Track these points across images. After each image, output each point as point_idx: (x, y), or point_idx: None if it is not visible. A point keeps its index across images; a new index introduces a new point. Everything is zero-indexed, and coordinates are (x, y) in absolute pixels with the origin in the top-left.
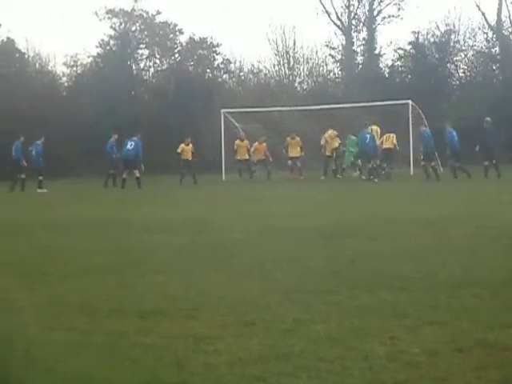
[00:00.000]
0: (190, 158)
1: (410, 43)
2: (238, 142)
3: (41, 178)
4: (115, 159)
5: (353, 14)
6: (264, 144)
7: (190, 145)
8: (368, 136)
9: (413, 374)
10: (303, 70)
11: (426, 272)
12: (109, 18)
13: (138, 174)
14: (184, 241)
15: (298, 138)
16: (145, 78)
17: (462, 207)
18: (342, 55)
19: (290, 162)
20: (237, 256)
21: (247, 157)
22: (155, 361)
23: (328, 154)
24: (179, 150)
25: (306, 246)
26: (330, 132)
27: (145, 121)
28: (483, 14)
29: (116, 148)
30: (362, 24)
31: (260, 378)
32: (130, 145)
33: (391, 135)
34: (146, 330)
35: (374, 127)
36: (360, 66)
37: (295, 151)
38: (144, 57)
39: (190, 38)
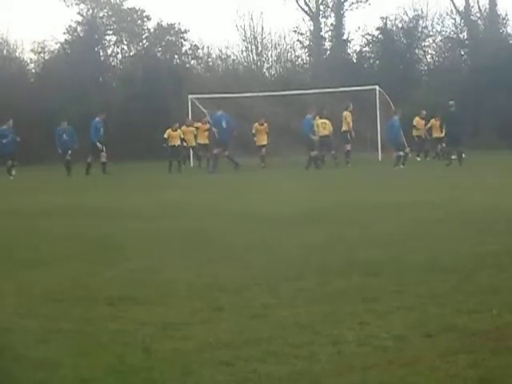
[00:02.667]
0: (176, 144)
1: (377, 29)
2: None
3: (11, 163)
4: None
5: (321, 0)
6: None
7: (178, 130)
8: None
9: (381, 359)
10: (271, 55)
11: (395, 257)
12: (76, 3)
13: (103, 159)
14: (154, 227)
15: (265, 125)
16: (112, 64)
17: (431, 193)
18: (309, 41)
19: (263, 149)
20: (206, 242)
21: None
22: (123, 347)
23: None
24: (166, 136)
25: (276, 232)
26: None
27: (113, 107)
28: None
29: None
30: (329, 9)
31: (229, 364)
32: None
33: (327, 122)
34: (114, 316)
35: (346, 113)
36: (328, 52)
37: (263, 139)
38: (111, 43)
39: (158, 24)
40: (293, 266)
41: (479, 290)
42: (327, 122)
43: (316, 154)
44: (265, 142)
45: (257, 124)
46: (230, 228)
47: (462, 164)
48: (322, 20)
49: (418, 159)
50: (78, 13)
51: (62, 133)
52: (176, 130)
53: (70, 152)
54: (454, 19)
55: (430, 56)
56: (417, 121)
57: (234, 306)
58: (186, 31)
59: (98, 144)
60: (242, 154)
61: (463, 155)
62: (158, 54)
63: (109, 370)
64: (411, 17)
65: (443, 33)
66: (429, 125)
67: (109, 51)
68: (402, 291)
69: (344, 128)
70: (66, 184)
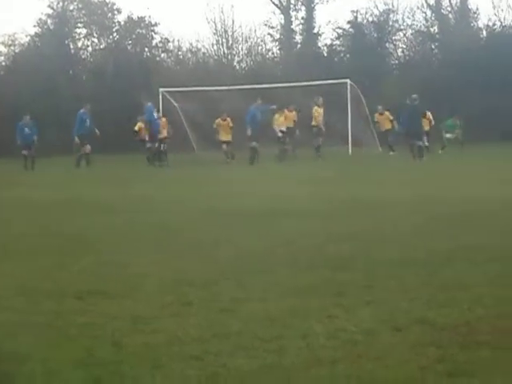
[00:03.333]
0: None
1: (348, 22)
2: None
3: None
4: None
5: None
6: (294, 112)
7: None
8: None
9: (350, 353)
10: (242, 49)
11: (364, 252)
12: None
13: (87, 151)
14: (123, 221)
15: (228, 120)
16: (83, 57)
17: (399, 188)
18: (280, 34)
19: (224, 145)
20: (176, 236)
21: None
22: (92, 340)
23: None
24: (136, 129)
25: (245, 226)
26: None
27: (83, 100)
28: None
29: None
30: (300, 3)
31: (198, 358)
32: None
33: (293, 113)
34: (83, 310)
35: (316, 108)
36: (299, 45)
37: (225, 134)
38: (82, 36)
39: (128, 17)
40: (262, 260)
41: (449, 285)
42: (290, 114)
43: (282, 147)
44: (227, 139)
45: (219, 119)
46: (199, 222)
47: (422, 158)
48: (293, 13)
49: (391, 153)
50: (49, 6)
51: (23, 127)
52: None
53: (32, 147)
54: (425, 13)
55: (400, 50)
56: (376, 117)
57: (203, 300)
58: (156, 24)
59: (76, 139)
60: (211, 147)
61: (424, 148)
62: (129, 47)
63: (78, 364)
64: (382, 10)
65: (414, 27)
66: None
67: (79, 44)
68: (372, 285)
69: (313, 123)
70: (32, 178)
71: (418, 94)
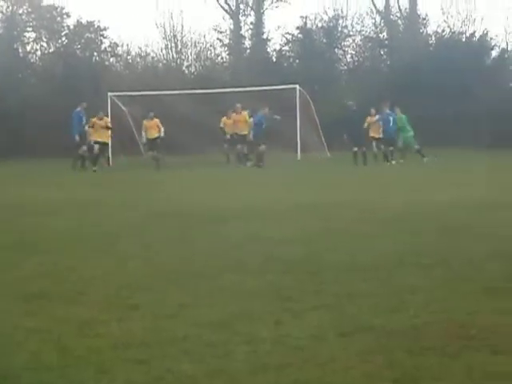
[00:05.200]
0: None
1: (297, 28)
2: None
3: None
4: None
5: None
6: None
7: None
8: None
9: (296, 358)
10: (191, 53)
11: (313, 256)
12: None
13: (81, 152)
14: (70, 224)
15: (156, 119)
16: (32, 61)
17: (347, 192)
18: (229, 39)
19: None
20: (122, 239)
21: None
22: (38, 344)
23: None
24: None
25: (192, 229)
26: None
27: (32, 104)
28: None
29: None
30: (249, 8)
31: (143, 362)
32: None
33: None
34: (29, 313)
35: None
36: (248, 51)
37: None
38: (31, 40)
39: (78, 21)
40: (209, 264)
41: (397, 290)
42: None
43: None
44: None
45: (145, 121)
46: (146, 225)
47: (366, 163)
48: (242, 18)
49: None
50: None
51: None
52: (93, 126)
53: None
54: (374, 19)
55: (349, 56)
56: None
57: (149, 304)
58: (105, 28)
59: (76, 137)
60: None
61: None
62: (78, 52)
63: (23, 368)
64: (331, 16)
65: (363, 32)
66: None
67: (28, 48)
68: (319, 290)
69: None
70: None
71: (354, 101)
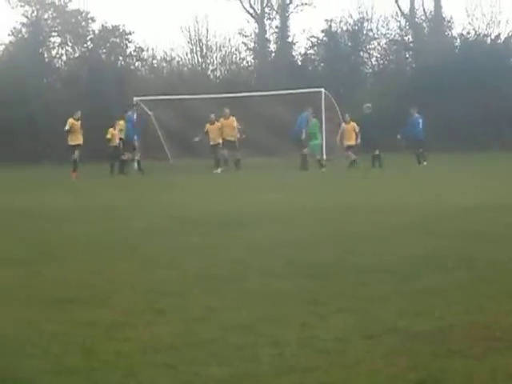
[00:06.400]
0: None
1: (322, 31)
2: None
3: None
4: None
5: (266, 2)
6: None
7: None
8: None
9: (322, 361)
10: (216, 57)
11: (336, 259)
12: (21, 5)
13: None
14: (93, 229)
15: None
16: (57, 65)
17: (375, 195)
18: (254, 43)
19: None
20: (146, 244)
21: None
22: (64, 349)
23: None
24: (109, 136)
25: (215, 234)
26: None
27: (57, 109)
28: (396, 1)
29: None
30: (274, 12)
31: (171, 366)
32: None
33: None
34: (54, 318)
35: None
36: (273, 54)
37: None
38: (56, 44)
39: (103, 25)
40: (234, 268)
41: (422, 292)
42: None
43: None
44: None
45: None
46: (170, 230)
47: (381, 166)
48: (267, 22)
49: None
50: (23, 14)
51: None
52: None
53: None
54: (399, 22)
55: (374, 59)
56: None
57: (176, 308)
58: (130, 33)
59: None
60: (185, 156)
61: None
62: (103, 56)
63: (48, 372)
64: (356, 19)
65: (388, 35)
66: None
67: (53, 53)
68: (344, 293)
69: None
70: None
71: (371, 103)
